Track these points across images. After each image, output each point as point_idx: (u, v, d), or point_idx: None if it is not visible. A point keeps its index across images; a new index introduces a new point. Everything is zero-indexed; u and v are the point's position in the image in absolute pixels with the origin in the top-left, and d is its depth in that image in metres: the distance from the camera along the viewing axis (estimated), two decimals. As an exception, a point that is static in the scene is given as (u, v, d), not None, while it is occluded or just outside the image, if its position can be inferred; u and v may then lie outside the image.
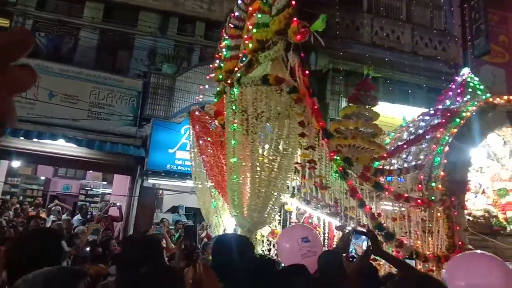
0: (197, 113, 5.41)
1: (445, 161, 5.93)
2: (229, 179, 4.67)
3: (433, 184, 5.88)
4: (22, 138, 10.68)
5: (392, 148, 7.13)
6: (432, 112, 7.25)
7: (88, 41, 13.01)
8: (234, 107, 4.62)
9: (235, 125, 4.61)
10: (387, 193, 5.39)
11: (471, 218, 6.38)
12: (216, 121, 5.13)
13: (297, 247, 3.76)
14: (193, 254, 5.25)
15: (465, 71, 7.81)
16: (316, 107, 4.67)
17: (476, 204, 6.97)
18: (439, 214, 5.70)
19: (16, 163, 13.83)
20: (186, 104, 12.10)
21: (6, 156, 11.64)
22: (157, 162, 11.53)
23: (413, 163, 6.41)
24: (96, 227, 8.77)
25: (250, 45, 4.91)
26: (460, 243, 5.50)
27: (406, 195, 5.53)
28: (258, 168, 4.42)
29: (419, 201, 5.48)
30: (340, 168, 4.78)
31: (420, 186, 6.08)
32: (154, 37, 13.45)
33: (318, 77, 14.03)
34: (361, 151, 6.09)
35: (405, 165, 6.61)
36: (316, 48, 13.05)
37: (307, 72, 4.52)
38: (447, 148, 6.02)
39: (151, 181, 11.56)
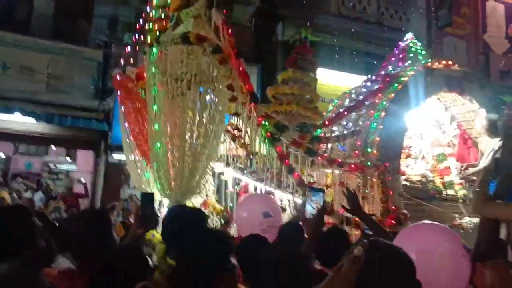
0: (118, 77, 5.08)
1: (381, 126, 5.91)
2: (152, 148, 4.42)
3: (369, 150, 5.87)
4: None
5: (333, 115, 7.06)
6: (373, 78, 7.20)
7: (43, 8, 12.09)
8: (154, 69, 4.33)
9: (156, 88, 4.34)
10: (319, 158, 5.31)
11: (408, 183, 6.44)
12: (138, 85, 4.83)
13: (257, 222, 3.57)
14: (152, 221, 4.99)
15: (408, 36, 7.77)
16: (242, 69, 4.45)
17: (415, 169, 7.04)
18: (374, 180, 5.69)
19: None
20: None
21: None
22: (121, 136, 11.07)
23: (352, 129, 6.35)
24: (57, 205, 8.39)
25: (174, 2, 4.59)
26: (394, 208, 5.53)
27: (339, 160, 5.46)
28: (183, 136, 4.19)
29: (352, 166, 5.44)
30: (268, 134, 4.62)
31: (356, 152, 6.05)
32: (115, 5, 12.70)
33: (285, 47, 13.80)
34: (298, 118, 5.98)
35: (345, 132, 6.55)
36: (283, 18, 12.77)
37: (230, 31, 4.26)
38: (383, 114, 5.98)
39: (116, 156, 11.07)
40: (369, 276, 1.16)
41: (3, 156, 15.53)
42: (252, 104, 4.56)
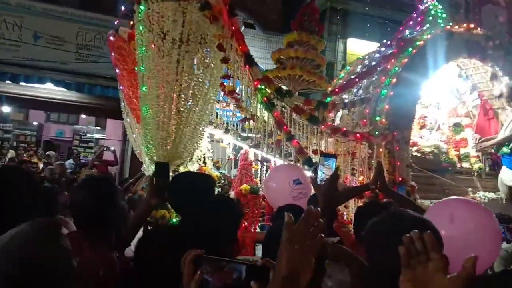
0: (112, 38, 4.85)
1: (391, 93, 5.51)
2: (141, 111, 4.21)
3: (377, 118, 5.50)
4: (8, 82, 10.24)
5: (344, 82, 6.68)
6: (388, 43, 6.73)
7: (72, -22, 11.99)
8: (141, 28, 4.06)
9: (143, 48, 4.08)
10: (323, 126, 5.00)
11: (419, 155, 6.06)
12: (131, 46, 4.59)
13: (288, 189, 3.54)
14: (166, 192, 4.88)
15: (429, -3, 7.19)
16: (235, 28, 4.14)
17: (429, 140, 6.64)
18: (381, 149, 5.35)
19: (6, 108, 13.52)
20: None
21: None
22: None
23: (361, 97, 5.97)
24: (89, 173, 8.47)
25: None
26: (400, 179, 5.20)
27: (344, 129, 5.14)
28: (170, 99, 3.95)
29: (358, 135, 5.11)
30: (265, 99, 4.33)
31: (365, 120, 5.69)
32: (142, -27, 12.41)
33: None
34: (302, 83, 5.66)
35: (355, 99, 6.18)
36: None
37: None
38: (394, 80, 5.57)
39: (144, 123, 11.08)
40: (395, 245, 1.05)
41: (35, 124, 15.90)
42: (247, 66, 4.26)
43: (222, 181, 5.27)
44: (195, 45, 4.03)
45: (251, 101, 4.42)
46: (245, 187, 5.05)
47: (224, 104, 5.34)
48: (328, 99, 6.43)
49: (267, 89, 4.38)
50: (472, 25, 6.32)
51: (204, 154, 5.28)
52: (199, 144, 4.43)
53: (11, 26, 10.37)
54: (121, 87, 4.93)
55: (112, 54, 4.98)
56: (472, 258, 0.96)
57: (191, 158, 5.38)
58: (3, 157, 10.60)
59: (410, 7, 12.47)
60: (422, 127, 6.84)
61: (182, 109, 4.04)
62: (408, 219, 1.37)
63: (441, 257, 0.98)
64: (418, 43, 5.93)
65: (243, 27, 12.11)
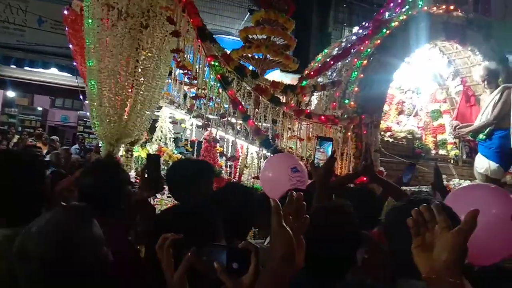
0: (65, 11, 4.66)
1: (361, 75, 5.30)
2: (88, 86, 4.05)
3: (346, 101, 5.29)
4: (13, 66, 10.18)
5: (319, 65, 6.46)
6: (366, 25, 6.50)
7: (75, -39, 11.83)
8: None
9: (90, 20, 3.90)
10: (285, 108, 4.81)
11: (391, 140, 5.85)
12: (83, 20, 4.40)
13: (286, 177, 3.43)
14: (158, 184, 4.74)
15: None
16: (187, 0, 3.93)
17: (406, 126, 6.42)
18: (349, 133, 5.16)
19: (11, 93, 13.46)
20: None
21: (0, 85, 11.23)
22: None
23: (333, 79, 5.76)
24: (98, 157, 8.36)
25: None
26: (367, 164, 4.99)
27: (307, 110, 4.95)
28: (115, 74, 3.78)
29: (322, 118, 4.91)
30: (219, 76, 4.13)
31: (334, 104, 5.49)
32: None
33: (321, 3, 13.05)
34: (269, 63, 5.45)
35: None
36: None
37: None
38: (365, 62, 5.35)
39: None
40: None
41: (40, 109, 15.86)
42: (199, 40, 4.06)
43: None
44: (142, 18, 3.85)
45: (202, 77, 4.22)
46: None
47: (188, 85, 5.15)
48: (304, 82, 6.24)
49: (221, 66, 4.17)
50: (452, 7, 6.05)
51: (165, 134, 5.10)
52: (150, 122, 4.26)
53: (16, 10, 10.28)
54: (74, 63, 4.75)
55: (66, 29, 4.79)
56: (473, 212, 0.99)
57: (151, 138, 5.22)
58: (9, 141, 10.54)
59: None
60: (400, 112, 6.63)
61: (127, 84, 3.87)
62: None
63: (445, 218, 1.01)
64: (393, 24, 5.69)
65: (247, 14, 11.88)
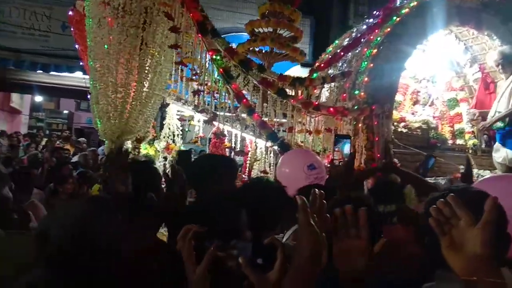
0: (70, 12, 4.68)
1: (371, 65, 5.14)
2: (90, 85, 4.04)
3: (356, 92, 5.15)
4: (40, 71, 10.52)
5: (330, 56, 6.33)
6: (377, 13, 6.31)
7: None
8: (87, -3, 3.87)
9: (90, 20, 3.89)
10: (292, 100, 4.71)
11: (405, 131, 5.66)
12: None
13: (303, 175, 3.53)
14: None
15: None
16: (185, -6, 3.87)
17: (422, 116, 6.22)
18: (360, 125, 5.02)
19: (38, 98, 14.13)
20: None
21: (28, 90, 11.68)
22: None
23: (342, 70, 5.62)
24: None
25: None
26: (378, 155, 4.86)
27: (315, 103, 4.83)
28: (111, 71, 3.74)
29: (331, 109, 4.79)
30: (221, 70, 4.07)
31: (344, 95, 5.35)
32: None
33: None
34: (277, 57, 5.36)
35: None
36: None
37: None
38: (375, 51, 5.19)
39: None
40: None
41: (66, 112, 16.27)
42: (199, 35, 4.00)
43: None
44: (141, 15, 3.80)
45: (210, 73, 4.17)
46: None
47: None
48: (315, 74, 6.11)
49: (223, 60, 4.10)
50: (465, -10, 5.81)
51: (173, 131, 5.07)
52: (151, 119, 4.22)
53: (40, 17, 10.57)
54: (81, 63, 4.77)
55: (72, 29, 4.81)
56: (492, 200, 0.97)
57: (159, 135, 5.20)
58: (38, 144, 10.94)
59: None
60: (415, 102, 6.43)
61: (127, 82, 3.83)
62: (473, 195, 1.30)
63: (467, 212, 0.98)
64: (403, 11, 5.51)
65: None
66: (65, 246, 1.18)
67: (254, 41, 5.14)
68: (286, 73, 5.36)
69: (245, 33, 9.75)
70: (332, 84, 5.74)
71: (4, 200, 2.04)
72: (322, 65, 6.23)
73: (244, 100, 4.21)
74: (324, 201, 1.15)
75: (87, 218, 1.23)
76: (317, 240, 1.04)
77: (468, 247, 0.96)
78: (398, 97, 6.39)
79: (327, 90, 6.05)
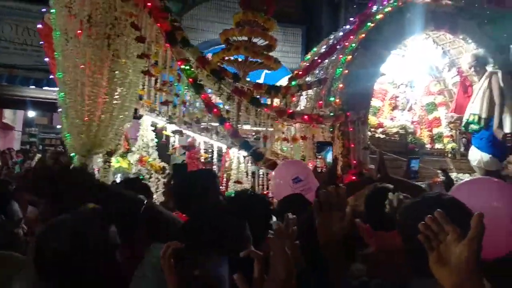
0: (39, 25, 4.67)
1: (346, 71, 5.16)
2: (58, 98, 4.03)
3: (331, 99, 5.16)
4: (32, 87, 10.49)
5: (307, 64, 6.35)
6: (353, 20, 6.35)
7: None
8: (53, 10, 3.87)
9: (57, 32, 3.89)
10: (266, 109, 4.70)
11: (383, 136, 5.68)
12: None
13: (289, 189, 3.44)
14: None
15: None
16: (152, 4, 3.88)
17: (400, 121, 6.24)
18: (336, 132, 5.03)
19: (31, 113, 13.95)
20: (194, 43, 11.51)
21: (20, 105, 11.64)
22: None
23: (318, 78, 5.64)
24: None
25: None
26: (354, 162, 4.86)
27: (290, 110, 4.84)
28: (78, 84, 3.74)
29: (306, 117, 4.79)
30: (191, 80, 4.06)
31: (320, 102, 5.37)
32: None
33: (331, 5, 13.06)
34: (252, 66, 5.37)
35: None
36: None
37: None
38: (349, 57, 5.22)
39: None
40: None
41: (59, 127, 16.28)
42: (168, 45, 4.00)
43: (167, 171, 5.02)
44: (107, 27, 3.80)
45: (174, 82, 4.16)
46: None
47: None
48: (293, 82, 6.12)
49: (193, 70, 4.10)
50: (440, -6, 5.87)
51: (147, 143, 5.04)
52: (122, 131, 4.20)
53: (33, 32, 10.64)
54: (51, 77, 4.75)
55: (41, 42, 4.80)
56: (478, 216, 0.99)
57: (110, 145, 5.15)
58: (31, 160, 10.84)
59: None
60: (394, 108, 6.46)
61: (95, 94, 3.82)
62: (446, 202, 1.37)
63: (453, 228, 1.02)
64: (378, 16, 5.55)
65: None
66: (59, 255, 1.24)
67: (228, 50, 5.15)
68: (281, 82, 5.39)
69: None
70: (310, 91, 5.77)
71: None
72: (300, 72, 6.25)
73: (215, 110, 4.21)
74: (295, 227, 1.23)
75: (80, 229, 1.30)
76: (290, 267, 1.13)
77: (455, 262, 1.00)
78: (377, 103, 6.42)
79: (306, 98, 6.07)
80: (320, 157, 2.60)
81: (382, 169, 2.67)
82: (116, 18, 3.81)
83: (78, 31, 3.70)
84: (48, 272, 1.28)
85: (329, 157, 2.61)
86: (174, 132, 4.47)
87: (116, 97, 3.93)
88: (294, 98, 6.14)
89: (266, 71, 10.71)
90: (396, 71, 6.52)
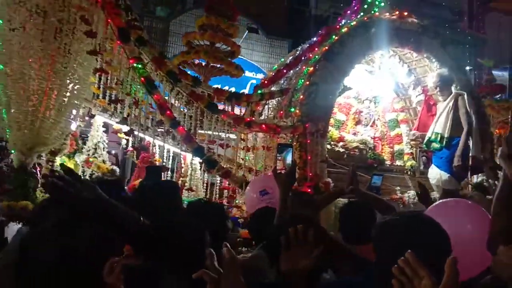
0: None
1: (307, 83, 5.14)
2: (0, 91, 3.84)
3: (292, 109, 5.13)
4: None
5: (273, 74, 6.33)
6: (321, 33, 6.37)
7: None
8: (-2, -2, 3.70)
9: (1, 21, 3.72)
10: (223, 115, 4.62)
11: (341, 150, 5.66)
12: None
13: (256, 200, 3.59)
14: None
15: (371, -12, 6.84)
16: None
17: (363, 136, 6.25)
18: (294, 143, 4.97)
19: None
20: (181, 49, 11.43)
21: None
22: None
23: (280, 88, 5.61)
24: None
25: None
26: (310, 174, 4.81)
27: (248, 119, 4.77)
28: (22, 77, 3.58)
29: (263, 126, 4.73)
30: (143, 79, 3.95)
31: (281, 112, 5.33)
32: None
33: (319, 22, 13.27)
34: (212, 70, 5.29)
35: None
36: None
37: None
38: (311, 69, 5.21)
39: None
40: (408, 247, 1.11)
41: None
42: (119, 42, 3.89)
43: (118, 174, 4.87)
44: (55, 18, 3.67)
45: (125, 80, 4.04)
46: (139, 182, 4.65)
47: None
48: (259, 91, 6.08)
49: (146, 69, 3.99)
50: (405, 13, 5.97)
51: (96, 144, 4.88)
52: (69, 130, 4.04)
53: None
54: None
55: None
56: (451, 261, 0.99)
57: (81, 148, 4.99)
58: (6, 157, 10.43)
59: (416, 14, 12.40)
60: (357, 123, 6.46)
61: (40, 89, 3.67)
62: (421, 221, 1.41)
63: (427, 274, 1.02)
64: (343, 30, 5.57)
65: (246, 32, 11.99)
66: (47, 261, 1.21)
67: (188, 53, 5.07)
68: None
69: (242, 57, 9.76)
70: (273, 101, 5.74)
71: None
72: (266, 82, 6.22)
73: (168, 112, 4.10)
74: (234, 262, 1.25)
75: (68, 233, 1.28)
76: None
77: None
78: (341, 117, 6.43)
79: (269, 107, 6.04)
80: (280, 158, 2.54)
81: (354, 182, 2.68)
82: (66, 10, 3.68)
83: (25, 22, 3.55)
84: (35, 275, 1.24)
85: (289, 159, 2.55)
86: (126, 133, 4.32)
87: (64, 93, 3.77)
88: (259, 107, 6.09)
89: (252, 81, 10.90)
90: (362, 86, 6.55)
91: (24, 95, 3.65)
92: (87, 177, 4.64)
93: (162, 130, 4.93)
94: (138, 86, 4.17)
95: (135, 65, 3.97)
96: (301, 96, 5.12)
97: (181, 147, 4.59)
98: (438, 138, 5.55)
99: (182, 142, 4.32)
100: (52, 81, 3.70)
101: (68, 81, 3.80)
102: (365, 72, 6.60)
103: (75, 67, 3.83)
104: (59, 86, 3.76)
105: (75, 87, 3.90)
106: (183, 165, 5.35)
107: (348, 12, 6.77)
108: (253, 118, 5.34)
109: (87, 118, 4.93)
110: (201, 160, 4.42)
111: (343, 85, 5.68)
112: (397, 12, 5.93)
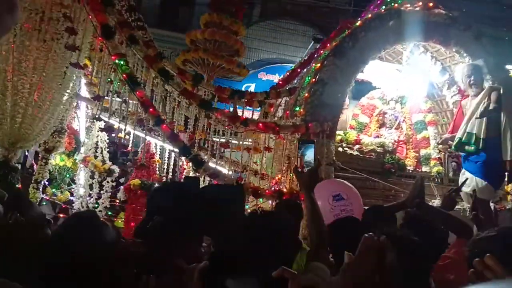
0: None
1: (313, 80, 4.88)
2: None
3: (297, 108, 4.90)
4: None
5: (288, 74, 6.16)
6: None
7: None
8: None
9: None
10: (217, 114, 4.51)
11: (357, 154, 5.30)
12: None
13: (327, 206, 3.38)
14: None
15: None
16: (85, -5, 3.82)
17: (388, 139, 5.83)
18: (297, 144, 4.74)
19: None
20: (248, 61, 11.81)
21: None
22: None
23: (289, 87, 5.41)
24: None
25: None
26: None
27: (244, 117, 4.61)
28: (2, 72, 3.71)
29: (260, 125, 4.55)
30: (125, 76, 3.94)
31: (288, 112, 5.12)
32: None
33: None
34: (215, 68, 5.22)
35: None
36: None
37: None
38: (319, 65, 4.96)
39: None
40: None
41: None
42: (101, 38, 3.91)
43: (116, 173, 4.88)
44: (35, 14, 3.77)
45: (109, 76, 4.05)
46: (135, 181, 4.64)
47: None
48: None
49: (128, 66, 3.98)
50: (431, 4, 5.53)
51: (95, 143, 4.93)
52: (52, 126, 4.11)
53: None
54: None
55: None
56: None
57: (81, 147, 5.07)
58: None
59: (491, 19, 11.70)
60: (381, 125, 6.06)
61: (20, 85, 3.76)
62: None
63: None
64: (357, 23, 5.27)
65: (312, 43, 12.19)
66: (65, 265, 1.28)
67: (188, 51, 5.02)
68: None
69: (290, 64, 9.87)
70: (281, 100, 5.55)
71: None
72: (281, 82, 6.07)
73: (151, 109, 4.05)
74: None
75: (73, 233, 1.38)
76: None
77: None
78: (364, 119, 6.09)
79: (283, 108, 5.84)
80: (299, 155, 2.37)
81: (420, 195, 2.52)
82: (48, 6, 3.77)
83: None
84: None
85: (309, 155, 2.38)
86: (102, 129, 4.33)
87: (44, 89, 3.85)
88: (272, 109, 5.93)
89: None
90: (388, 86, 6.16)
91: (3, 90, 3.76)
92: (87, 176, 4.69)
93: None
94: (119, 83, 4.15)
95: (117, 61, 3.96)
96: (306, 94, 4.87)
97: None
98: (473, 140, 4.92)
99: (167, 139, 4.25)
100: (32, 77, 3.79)
101: (51, 77, 3.88)
102: (394, 70, 6.20)
103: (59, 63, 3.91)
104: (41, 82, 3.84)
105: (57, 84, 3.97)
106: (185, 166, 5.28)
107: (371, 7, 6.45)
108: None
109: (88, 119, 5.01)
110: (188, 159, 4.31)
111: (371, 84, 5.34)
112: (420, 3, 5.50)
